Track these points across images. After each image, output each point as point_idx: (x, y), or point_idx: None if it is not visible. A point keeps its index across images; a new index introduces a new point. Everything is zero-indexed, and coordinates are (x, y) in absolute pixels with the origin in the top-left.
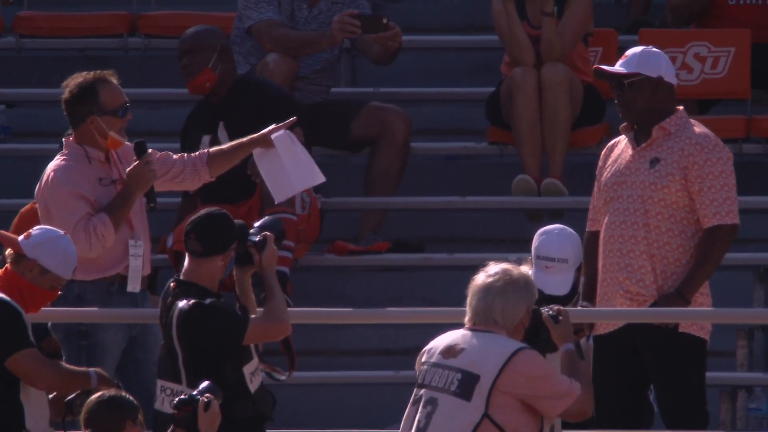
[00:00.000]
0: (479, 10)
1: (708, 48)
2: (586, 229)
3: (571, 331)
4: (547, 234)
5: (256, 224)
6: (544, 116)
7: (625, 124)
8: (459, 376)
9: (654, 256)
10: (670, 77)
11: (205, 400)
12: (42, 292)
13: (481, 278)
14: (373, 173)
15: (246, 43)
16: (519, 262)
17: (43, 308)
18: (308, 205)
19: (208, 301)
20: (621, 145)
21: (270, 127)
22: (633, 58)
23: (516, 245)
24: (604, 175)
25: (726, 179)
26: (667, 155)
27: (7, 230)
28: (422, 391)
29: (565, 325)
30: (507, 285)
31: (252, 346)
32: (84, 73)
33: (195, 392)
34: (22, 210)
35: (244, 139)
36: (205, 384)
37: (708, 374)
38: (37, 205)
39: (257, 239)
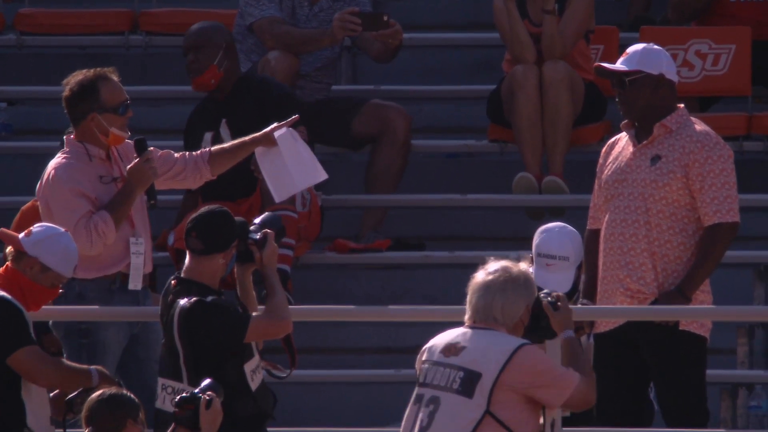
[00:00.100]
0: (480, 8)
1: (709, 45)
2: (587, 227)
3: (571, 318)
4: (548, 232)
5: (256, 221)
6: (545, 114)
7: (626, 121)
8: (461, 374)
9: (655, 253)
10: (672, 75)
11: (207, 398)
12: (43, 289)
13: (480, 276)
14: (374, 171)
15: (247, 41)
16: (518, 259)
17: (43, 306)
18: (309, 202)
19: (209, 298)
20: (622, 142)
21: (272, 126)
22: (634, 55)
23: (517, 243)
24: (605, 172)
25: (727, 177)
26: (668, 153)
27: (8, 228)
28: (424, 390)
29: (564, 311)
30: (507, 282)
31: (253, 343)
32: (84, 71)
33: (197, 390)
34: (23, 208)
35: (247, 138)
36: (206, 382)
37: (708, 372)
38: (38, 203)
39: (258, 237)
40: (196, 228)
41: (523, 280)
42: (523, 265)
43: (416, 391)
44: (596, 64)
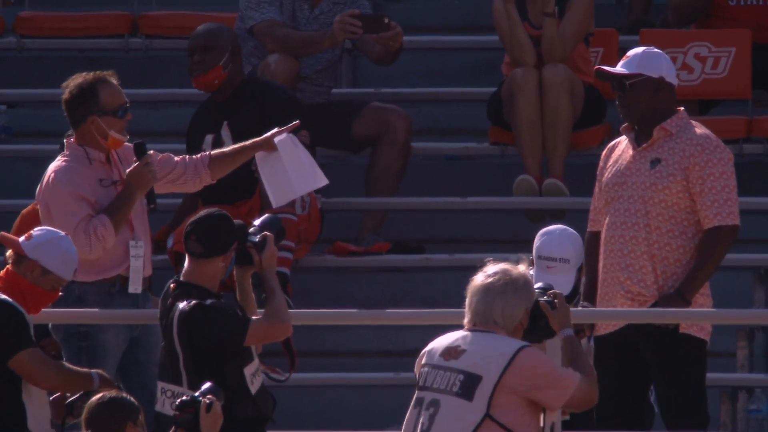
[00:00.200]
0: (480, 11)
1: (709, 48)
2: (587, 230)
3: (569, 316)
4: (548, 234)
5: (256, 222)
6: (545, 117)
7: (625, 124)
8: (461, 377)
9: (655, 256)
10: (672, 78)
11: (207, 401)
12: (43, 292)
13: (480, 279)
14: (374, 173)
15: (247, 44)
16: (517, 262)
17: (43, 309)
18: (308, 205)
19: (208, 302)
20: (622, 145)
21: (273, 131)
22: (634, 58)
23: (517, 246)
24: (605, 175)
25: (727, 180)
26: (668, 156)
27: (8, 231)
28: (424, 393)
29: (562, 309)
30: (507, 285)
31: (252, 347)
32: (84, 74)
33: (197, 393)
34: (24, 211)
35: (247, 143)
36: (206, 385)
37: (708, 375)
38: (38, 206)
39: (257, 239)
40: (195, 231)
41: (522, 282)
42: (521, 267)
43: (416, 394)
44: (596, 67)
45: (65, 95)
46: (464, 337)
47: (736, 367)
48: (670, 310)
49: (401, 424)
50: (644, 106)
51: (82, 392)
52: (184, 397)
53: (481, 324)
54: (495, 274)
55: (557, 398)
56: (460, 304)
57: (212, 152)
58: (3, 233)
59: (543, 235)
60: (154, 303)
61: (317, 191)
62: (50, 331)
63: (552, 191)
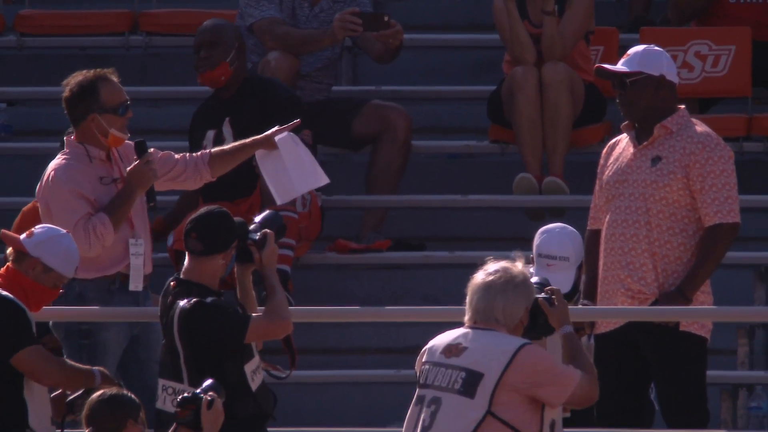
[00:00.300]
0: (480, 9)
1: (709, 46)
2: (588, 228)
3: (568, 312)
4: (548, 232)
5: (257, 219)
6: (546, 115)
7: (626, 122)
8: (463, 374)
9: (655, 254)
10: (672, 76)
11: (209, 398)
12: (44, 290)
13: (480, 276)
14: (375, 171)
15: (247, 41)
16: (513, 260)
17: (44, 307)
18: (309, 202)
19: (209, 299)
20: (622, 143)
21: (273, 129)
22: (635, 56)
23: (517, 244)
24: (606, 173)
25: (727, 178)
26: (668, 154)
27: (8, 229)
28: (425, 391)
29: (560, 306)
30: (507, 283)
31: (252, 344)
32: (84, 72)
33: (198, 391)
34: (24, 209)
35: (247, 141)
36: (208, 382)
37: (709, 373)
38: (38, 204)
39: (257, 237)
40: (195, 229)
41: (522, 280)
42: (519, 264)
43: (417, 392)
44: (597, 65)
45: (66, 93)
46: (465, 335)
47: (737, 364)
48: (671, 308)
49: (402, 422)
50: (645, 104)
51: (82, 390)
52: (186, 394)
53: (482, 322)
54: (495, 272)
55: (558, 395)
56: (460, 301)
57: (212, 150)
58: (4, 231)
59: (543, 233)
60: (154, 300)
61: (318, 189)
62: (50, 329)
63: (552, 189)
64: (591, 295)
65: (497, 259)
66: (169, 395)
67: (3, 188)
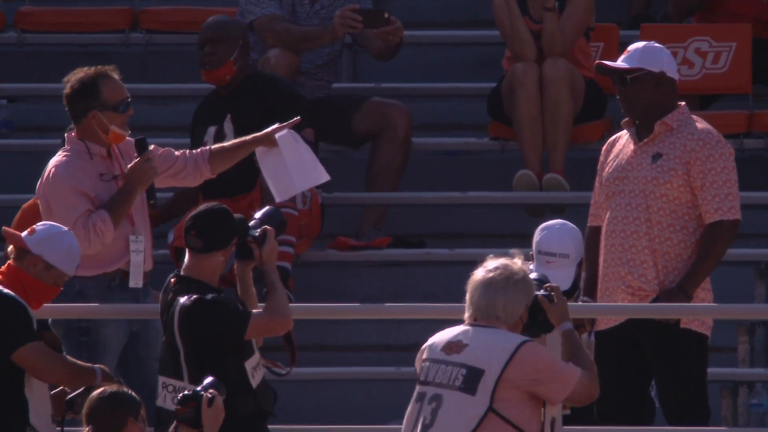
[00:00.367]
0: (481, 5)
1: (709, 43)
2: (588, 224)
3: (567, 309)
4: (548, 229)
5: (257, 215)
6: (546, 111)
7: (626, 119)
8: (463, 371)
9: (656, 251)
10: (673, 72)
11: (209, 395)
12: (45, 287)
13: (480, 274)
14: (375, 168)
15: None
16: (511, 257)
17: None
18: (309, 200)
19: (209, 296)
20: (622, 140)
21: (273, 126)
22: (635, 53)
23: (517, 240)
24: (606, 170)
25: (728, 175)
26: (669, 150)
27: (8, 226)
28: (426, 388)
29: (560, 303)
30: (508, 280)
31: (253, 341)
32: (85, 69)
33: (199, 388)
34: (24, 206)
35: (247, 138)
36: (208, 380)
37: (709, 370)
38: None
39: (257, 233)
40: (195, 226)
41: (522, 277)
42: (518, 261)
43: (417, 389)
44: (597, 61)
45: (66, 90)
46: (465, 332)
47: (737, 361)
48: (671, 305)
49: (402, 419)
50: (645, 101)
51: (82, 388)
52: (186, 392)
53: (482, 319)
54: (495, 269)
55: (558, 392)
56: (460, 298)
57: (212, 147)
58: (5, 228)
59: (543, 229)
60: (154, 297)
61: (318, 186)
62: (49, 325)
63: (552, 186)
64: (591, 292)
65: (497, 256)
66: (169, 393)
67: (3, 185)
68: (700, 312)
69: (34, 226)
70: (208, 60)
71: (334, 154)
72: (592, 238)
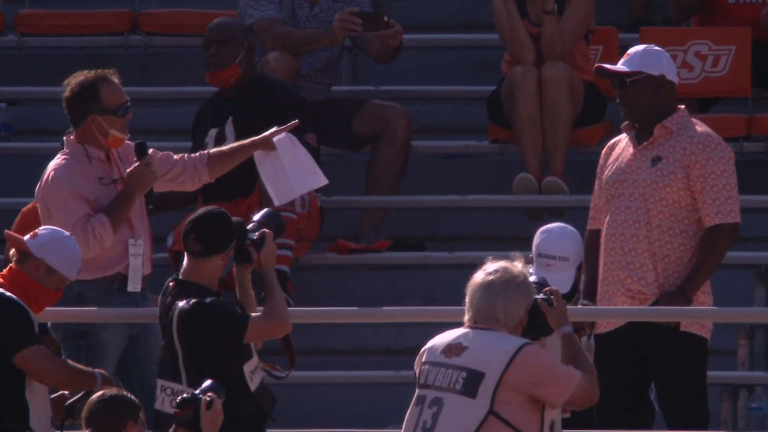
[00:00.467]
0: (480, 8)
1: (709, 46)
2: (587, 228)
3: (566, 313)
4: (548, 232)
5: (255, 218)
6: (545, 114)
7: (626, 122)
8: (464, 374)
9: (656, 254)
10: (672, 76)
11: (208, 399)
12: (47, 291)
13: (480, 276)
14: (375, 171)
15: None
16: (511, 260)
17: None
18: (308, 203)
19: (208, 300)
20: (622, 143)
21: (272, 130)
22: (635, 56)
23: (517, 243)
24: (606, 173)
25: (728, 178)
26: (668, 154)
27: (9, 229)
28: (425, 391)
29: (559, 307)
30: (508, 283)
31: (251, 344)
32: (85, 72)
33: (197, 391)
34: (24, 209)
35: (246, 141)
36: (207, 383)
37: (709, 373)
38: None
39: (256, 237)
40: (194, 230)
41: (522, 280)
42: (518, 263)
43: (417, 392)
44: (597, 65)
45: (66, 93)
46: (465, 335)
47: (737, 365)
48: (671, 309)
49: (401, 422)
50: (645, 104)
51: (82, 393)
52: (185, 395)
53: (482, 322)
54: (495, 271)
55: (558, 395)
56: (460, 301)
57: (211, 151)
58: (8, 231)
59: (542, 233)
60: (153, 301)
61: (317, 190)
62: (48, 329)
63: (552, 189)
64: (591, 295)
65: (497, 258)
66: (167, 396)
67: (3, 188)
68: (699, 315)
69: (37, 230)
70: (212, 62)
71: (333, 156)
72: (591, 242)
